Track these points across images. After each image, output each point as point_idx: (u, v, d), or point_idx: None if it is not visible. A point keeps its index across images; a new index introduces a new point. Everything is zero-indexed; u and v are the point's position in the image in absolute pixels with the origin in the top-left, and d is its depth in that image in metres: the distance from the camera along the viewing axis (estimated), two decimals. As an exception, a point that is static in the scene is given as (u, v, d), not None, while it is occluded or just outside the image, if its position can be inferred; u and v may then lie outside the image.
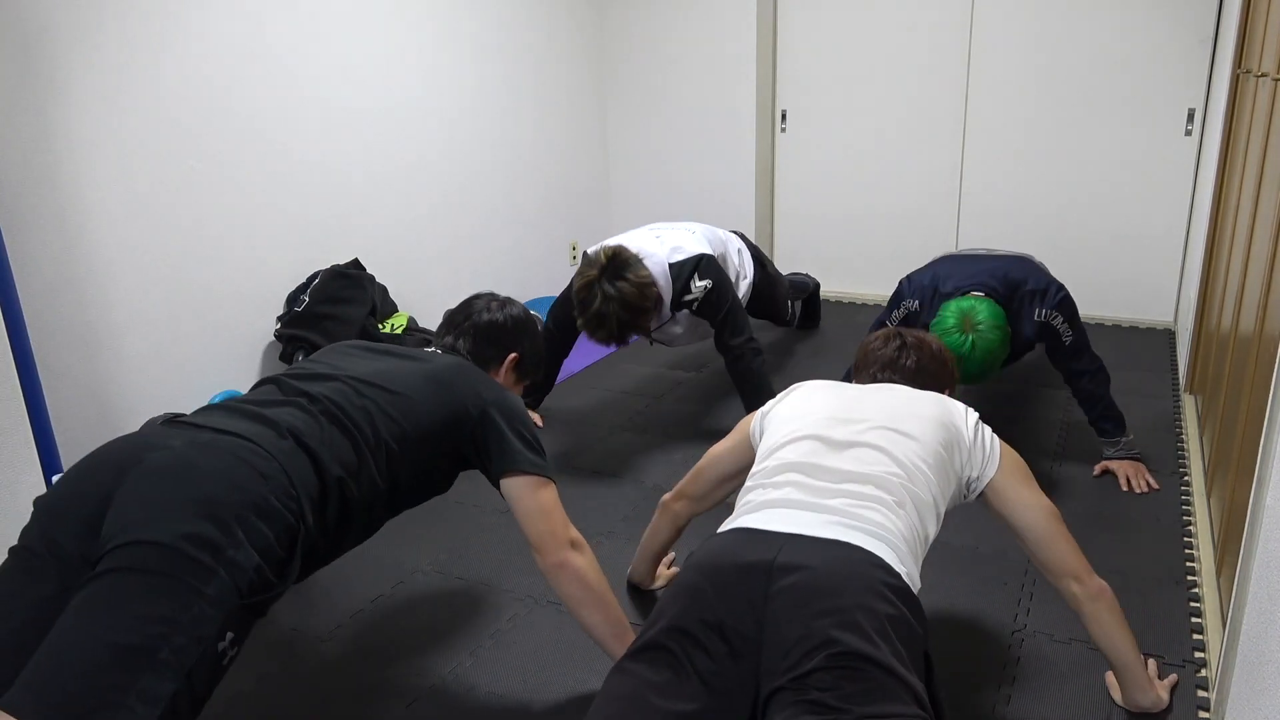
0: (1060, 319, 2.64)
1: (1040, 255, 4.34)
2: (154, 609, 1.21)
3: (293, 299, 3.19)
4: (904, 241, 4.62)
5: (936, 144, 4.43)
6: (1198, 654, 1.91)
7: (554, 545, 1.63)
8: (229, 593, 1.26)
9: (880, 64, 4.43)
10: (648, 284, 2.64)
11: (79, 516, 1.30)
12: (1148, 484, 2.61)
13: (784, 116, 4.73)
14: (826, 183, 4.72)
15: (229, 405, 1.53)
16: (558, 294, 4.64)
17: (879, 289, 4.73)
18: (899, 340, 1.86)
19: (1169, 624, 2.00)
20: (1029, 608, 2.09)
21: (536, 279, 4.59)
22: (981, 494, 1.65)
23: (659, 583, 2.19)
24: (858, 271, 4.76)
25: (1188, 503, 2.54)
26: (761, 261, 3.41)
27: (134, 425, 2.67)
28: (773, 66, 4.67)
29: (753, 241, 3.56)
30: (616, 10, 4.81)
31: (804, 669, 1.22)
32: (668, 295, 2.81)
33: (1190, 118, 3.96)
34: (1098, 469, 2.72)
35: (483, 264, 4.22)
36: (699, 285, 2.83)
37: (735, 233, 3.47)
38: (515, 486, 1.66)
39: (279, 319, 3.16)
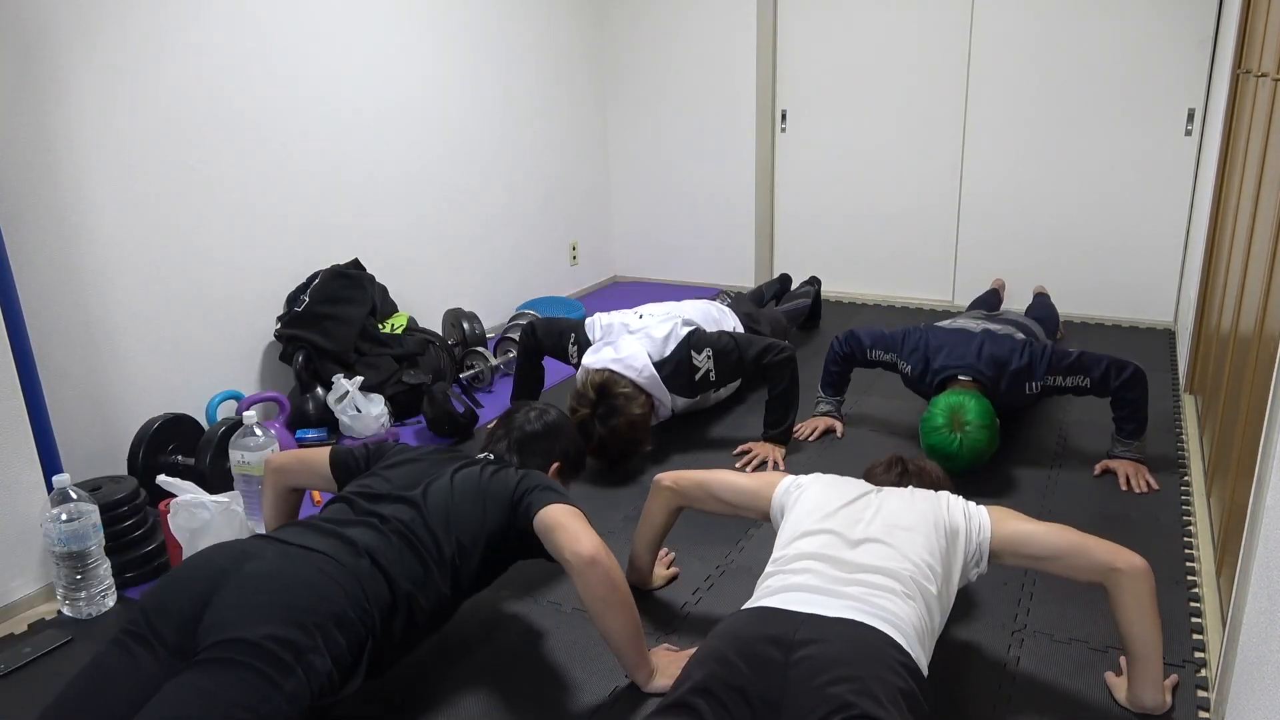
0: (1061, 378, 2.70)
1: (1040, 255, 4.36)
2: (238, 697, 1.36)
3: (293, 299, 3.19)
4: (904, 241, 4.63)
5: (936, 144, 4.43)
6: (1198, 654, 1.91)
7: (587, 542, 1.67)
8: (303, 692, 1.41)
9: (880, 64, 4.43)
10: (640, 422, 2.72)
11: (181, 611, 1.46)
12: (1147, 484, 2.62)
13: (784, 116, 4.73)
14: (826, 183, 4.72)
15: (310, 523, 1.70)
16: (557, 294, 4.67)
17: (879, 289, 4.73)
18: (900, 468, 1.98)
19: (1169, 624, 2.00)
20: (1029, 608, 2.09)
21: (536, 279, 4.59)
22: (991, 555, 1.73)
23: (657, 582, 2.19)
24: (858, 271, 4.76)
25: (1188, 503, 2.54)
26: (756, 329, 3.40)
27: (134, 426, 2.67)
28: (773, 66, 4.68)
29: (744, 307, 3.51)
30: (616, 10, 4.82)
31: None
32: (665, 399, 2.89)
33: (1190, 118, 3.96)
34: (1098, 468, 2.72)
35: (483, 264, 4.22)
36: (701, 358, 2.89)
37: (724, 298, 3.50)
38: (547, 512, 1.74)
39: (279, 319, 3.16)
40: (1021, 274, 4.39)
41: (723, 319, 3.22)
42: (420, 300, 3.82)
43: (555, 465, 2.07)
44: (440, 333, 3.76)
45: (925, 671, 1.48)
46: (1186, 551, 2.30)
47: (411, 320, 3.53)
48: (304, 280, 3.25)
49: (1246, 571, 1.60)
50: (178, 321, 2.87)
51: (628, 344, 2.89)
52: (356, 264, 3.40)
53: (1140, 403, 2.68)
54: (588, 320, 3.08)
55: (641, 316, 3.02)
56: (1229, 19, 3.44)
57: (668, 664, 1.82)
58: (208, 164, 2.90)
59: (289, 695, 1.39)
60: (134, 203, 2.70)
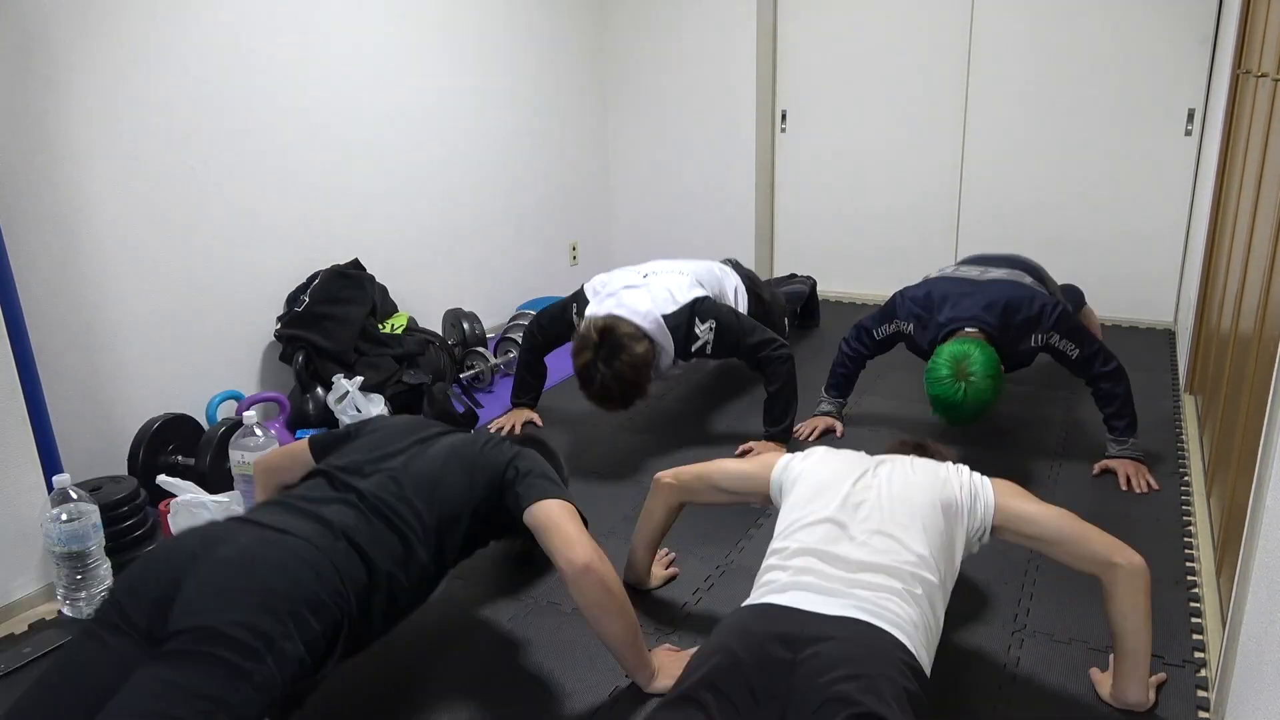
0: (1058, 337, 2.67)
1: (1040, 256, 4.32)
2: (205, 688, 1.33)
3: (293, 299, 3.19)
4: (903, 241, 4.63)
5: (936, 144, 4.43)
6: (1198, 654, 1.91)
7: (580, 550, 1.67)
8: (273, 681, 1.37)
9: (880, 64, 4.43)
10: (642, 363, 2.67)
11: (151, 597, 1.43)
12: (1148, 484, 2.62)
13: (784, 116, 4.73)
14: (826, 183, 4.72)
15: (287, 503, 1.66)
16: (557, 294, 4.66)
17: (878, 289, 4.73)
18: (915, 444, 1.99)
19: (1169, 624, 2.00)
20: (1029, 608, 2.09)
21: (536, 279, 4.59)
22: (992, 531, 1.72)
23: (655, 582, 2.19)
24: (857, 271, 4.76)
25: (1188, 503, 2.54)
26: (757, 292, 3.40)
27: (134, 426, 2.67)
28: (773, 66, 4.67)
29: (746, 268, 3.52)
30: (617, 11, 4.82)
31: None
32: (668, 347, 2.82)
33: (1190, 118, 3.96)
34: (1097, 468, 2.72)
35: (483, 264, 4.22)
36: (704, 328, 2.84)
37: (729, 261, 3.46)
38: (540, 508, 1.74)
39: (279, 319, 3.16)
40: (1021, 274, 4.39)
41: (724, 279, 3.17)
42: (420, 300, 3.82)
43: None
44: (440, 333, 3.76)
45: (928, 673, 1.49)
46: (1186, 551, 2.30)
47: (411, 320, 3.53)
48: (304, 280, 3.25)
49: (1246, 571, 1.60)
50: (178, 321, 2.87)
51: (631, 296, 2.84)
52: (356, 264, 3.40)
53: (1124, 398, 2.68)
54: (586, 284, 3.04)
55: (646, 276, 2.96)
56: (1229, 19, 3.44)
57: (669, 664, 1.82)
58: (208, 164, 2.90)
59: (258, 684, 1.35)
60: (134, 203, 2.70)
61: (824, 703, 1.32)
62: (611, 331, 2.64)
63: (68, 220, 2.53)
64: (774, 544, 1.71)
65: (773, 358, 2.84)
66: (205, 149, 2.89)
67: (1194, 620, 2.02)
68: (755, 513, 2.54)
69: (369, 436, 1.85)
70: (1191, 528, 2.41)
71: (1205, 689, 1.80)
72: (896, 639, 1.44)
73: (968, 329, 2.68)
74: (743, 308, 3.19)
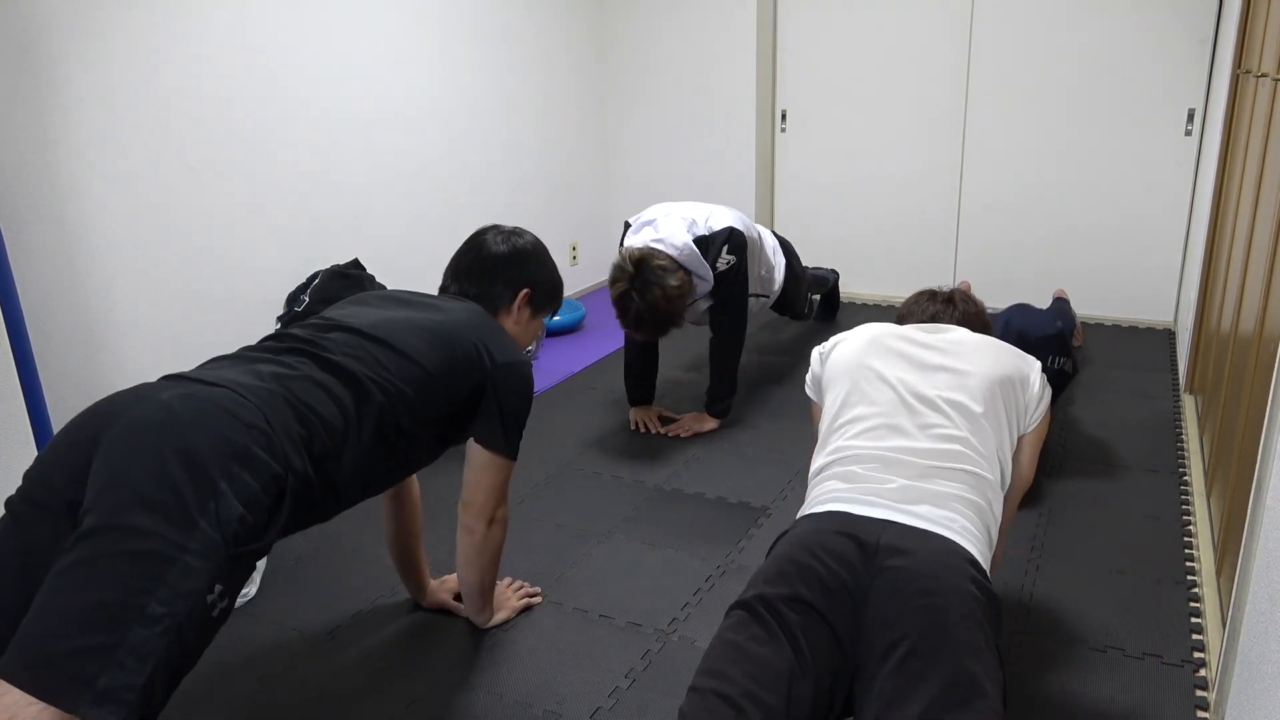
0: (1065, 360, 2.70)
1: (1041, 255, 4.36)
2: (138, 566, 1.19)
3: (293, 299, 3.19)
4: (904, 242, 4.63)
5: (936, 144, 4.43)
6: (1197, 654, 1.91)
7: (476, 513, 1.81)
8: (214, 546, 1.24)
9: (880, 64, 4.44)
10: (676, 295, 2.74)
11: (67, 466, 1.29)
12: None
13: (784, 116, 4.73)
14: (826, 183, 4.72)
15: (227, 356, 1.52)
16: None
17: (879, 289, 4.73)
18: (946, 295, 1.90)
19: (1169, 624, 2.00)
20: (1029, 608, 2.09)
21: (536, 279, 4.59)
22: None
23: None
24: (858, 271, 4.76)
25: (1188, 503, 2.54)
26: (790, 259, 3.50)
27: (134, 425, 2.67)
28: (773, 66, 4.68)
29: (784, 238, 3.62)
30: (617, 10, 4.82)
31: (898, 635, 1.30)
32: (706, 272, 2.90)
33: (1190, 118, 3.96)
34: None
35: (483, 264, 4.22)
36: (726, 258, 2.94)
37: (777, 236, 3.56)
38: (480, 455, 1.80)
39: (279, 319, 3.16)
40: (1022, 273, 4.39)
41: (764, 235, 3.30)
42: (420, 300, 3.81)
43: (524, 292, 1.91)
44: (440, 333, 3.76)
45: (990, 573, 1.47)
46: (1186, 551, 2.30)
47: (411, 320, 3.52)
48: (304, 280, 3.25)
49: (1246, 571, 1.60)
50: (178, 321, 2.87)
51: (668, 224, 2.91)
52: (356, 264, 3.40)
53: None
54: (629, 219, 3.10)
55: (693, 215, 3.06)
56: (1229, 19, 3.44)
57: (503, 599, 2.03)
58: (208, 164, 2.91)
59: (197, 553, 1.22)
60: (134, 203, 2.70)
61: (899, 617, 1.30)
62: (645, 263, 2.71)
63: (68, 220, 2.53)
64: (828, 446, 1.61)
65: (727, 324, 3.00)
66: (205, 148, 2.89)
67: (1194, 620, 2.02)
68: (755, 512, 2.54)
69: (342, 303, 1.76)
70: (1191, 528, 2.41)
71: (1205, 689, 1.80)
72: (967, 552, 1.40)
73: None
74: (779, 270, 3.35)
